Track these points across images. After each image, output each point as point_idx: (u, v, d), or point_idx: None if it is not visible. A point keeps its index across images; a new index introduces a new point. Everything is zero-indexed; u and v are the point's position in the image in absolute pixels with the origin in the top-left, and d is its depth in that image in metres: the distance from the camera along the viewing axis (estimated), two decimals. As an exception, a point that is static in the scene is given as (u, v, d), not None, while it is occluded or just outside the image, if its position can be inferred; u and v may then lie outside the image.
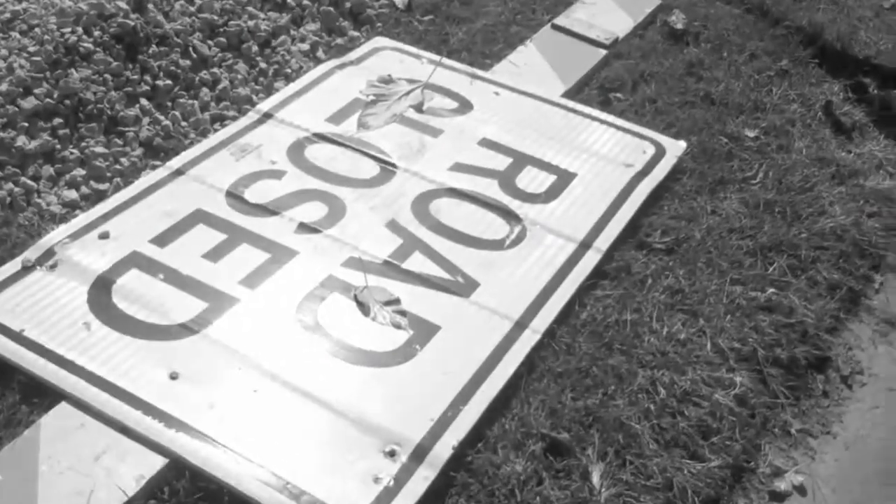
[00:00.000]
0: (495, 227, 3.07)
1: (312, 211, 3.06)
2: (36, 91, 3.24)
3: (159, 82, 3.46)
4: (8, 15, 3.49)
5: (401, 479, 2.33)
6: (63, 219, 3.02)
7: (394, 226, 3.03)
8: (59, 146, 3.21)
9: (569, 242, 3.02)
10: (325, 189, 3.15)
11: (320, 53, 3.91)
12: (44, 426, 2.40)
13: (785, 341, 2.83)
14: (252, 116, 3.45)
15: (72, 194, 3.11)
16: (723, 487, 2.48)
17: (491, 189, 3.21)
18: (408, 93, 3.62)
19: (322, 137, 3.37)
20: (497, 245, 3.00)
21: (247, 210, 3.04)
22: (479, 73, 3.80)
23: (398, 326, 2.70)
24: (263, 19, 3.89)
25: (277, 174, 3.19)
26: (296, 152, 3.29)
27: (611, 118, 3.60)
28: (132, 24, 3.48)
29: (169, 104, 3.47)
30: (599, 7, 4.30)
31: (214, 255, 2.87)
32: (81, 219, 2.98)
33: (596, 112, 3.63)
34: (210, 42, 3.69)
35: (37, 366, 2.51)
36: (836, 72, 4.07)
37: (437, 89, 3.67)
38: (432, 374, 2.59)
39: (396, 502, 2.29)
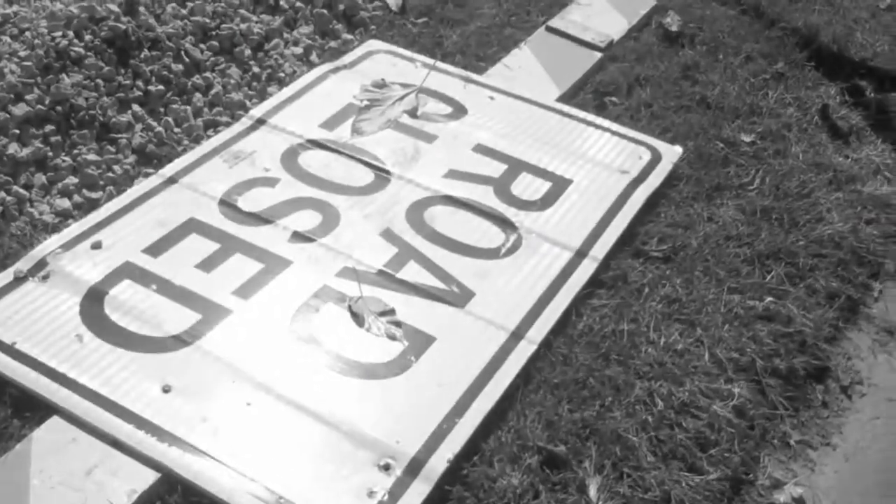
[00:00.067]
0: (490, 235, 3.05)
1: (306, 219, 3.03)
2: (27, 97, 3.21)
3: (151, 87, 3.43)
4: (-2, 19, 3.47)
5: (395, 493, 2.31)
6: (55, 228, 2.99)
7: (388, 234, 3.01)
8: (51, 153, 3.18)
9: (564, 251, 3.00)
10: (319, 197, 3.13)
11: (314, 57, 3.88)
12: (35, 440, 2.38)
13: (783, 351, 2.81)
14: (245, 122, 3.43)
15: (64, 203, 3.08)
16: (721, 500, 2.46)
17: (486, 196, 3.18)
18: (402, 97, 3.60)
19: (316, 144, 3.35)
20: (492, 254, 2.98)
21: (240, 219, 3.01)
22: (474, 76, 3.78)
23: (393, 338, 2.68)
24: (256, 22, 3.86)
25: (271, 182, 3.17)
26: (289, 159, 3.27)
27: (606, 123, 3.58)
28: (123, 27, 3.45)
29: (161, 110, 3.44)
30: (594, 8, 4.27)
31: (208, 265, 2.85)
32: (74, 228, 2.95)
33: (591, 117, 3.61)
34: (202, 46, 3.67)
35: (29, 379, 2.49)
36: (832, 74, 4.05)
37: (431, 93, 3.65)
38: (427, 385, 2.57)
39: (391, 517, 2.28)
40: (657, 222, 3.18)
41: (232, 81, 3.62)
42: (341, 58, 3.84)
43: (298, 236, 2.97)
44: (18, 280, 2.75)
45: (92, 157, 3.20)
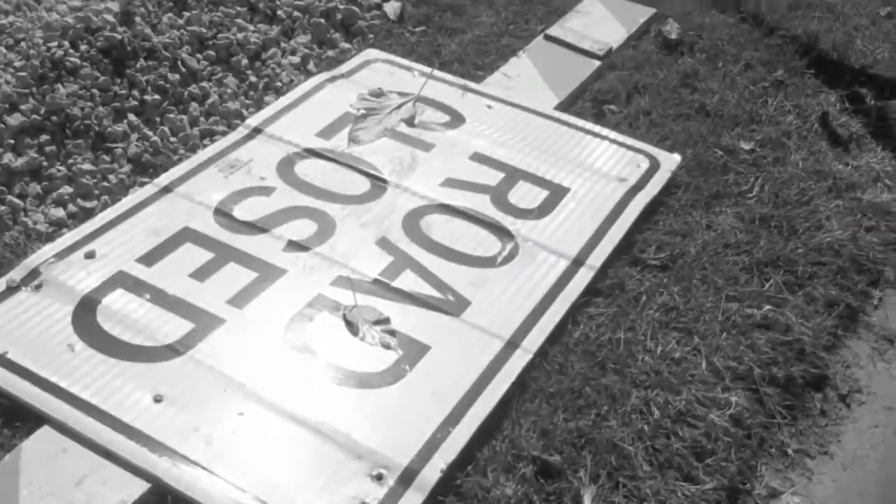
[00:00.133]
0: (487, 243, 3.03)
1: (301, 228, 3.02)
2: (22, 107, 3.20)
3: (147, 97, 3.42)
4: (-7, 29, 3.46)
5: (388, 503, 2.29)
6: (49, 237, 2.98)
7: (384, 243, 2.99)
8: (45, 163, 3.17)
9: (561, 259, 2.98)
10: (315, 206, 3.11)
11: (311, 66, 3.87)
12: (25, 450, 2.36)
13: (781, 359, 2.78)
14: (241, 131, 3.42)
15: (59, 212, 3.07)
16: (718, 510, 2.44)
17: (483, 205, 3.17)
18: (399, 106, 3.58)
19: (312, 153, 3.34)
20: (489, 262, 2.96)
21: (235, 228, 3.00)
22: (472, 85, 3.77)
23: (387, 346, 2.66)
24: (253, 32, 3.85)
25: (267, 191, 3.16)
26: (285, 168, 3.25)
27: (604, 131, 3.56)
28: (119, 37, 3.44)
29: (157, 119, 3.43)
30: (593, 17, 4.27)
31: (201, 274, 2.84)
32: (67, 238, 2.94)
33: (589, 125, 3.59)
34: (199, 55, 3.66)
35: (19, 389, 2.47)
36: (832, 82, 4.03)
37: (428, 102, 3.64)
38: (422, 394, 2.55)
39: (384, 528, 2.26)
40: (655, 230, 3.16)
41: (228, 91, 3.61)
42: (339, 67, 3.83)
43: (293, 245, 2.95)
44: (11, 289, 2.74)
45: (87, 166, 3.18)
